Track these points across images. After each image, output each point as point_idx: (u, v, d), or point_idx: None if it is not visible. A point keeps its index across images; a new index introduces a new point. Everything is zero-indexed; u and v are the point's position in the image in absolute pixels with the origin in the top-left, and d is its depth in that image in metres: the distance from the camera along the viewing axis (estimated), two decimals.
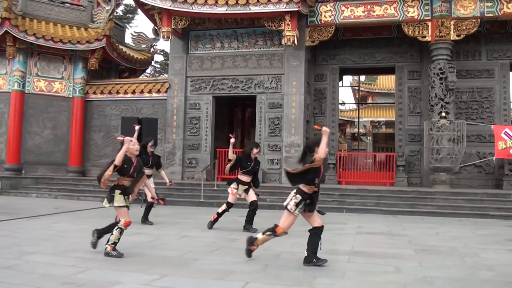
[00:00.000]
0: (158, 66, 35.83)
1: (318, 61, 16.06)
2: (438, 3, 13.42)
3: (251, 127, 18.37)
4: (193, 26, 15.25)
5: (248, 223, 8.21)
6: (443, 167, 13.14)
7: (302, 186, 5.43)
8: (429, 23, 13.64)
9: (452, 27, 13.42)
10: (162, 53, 35.10)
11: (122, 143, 5.67)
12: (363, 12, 14.04)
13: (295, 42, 13.82)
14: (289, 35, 13.74)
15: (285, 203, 5.46)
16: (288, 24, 13.77)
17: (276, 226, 5.50)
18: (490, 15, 13.38)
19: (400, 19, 13.82)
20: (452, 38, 13.45)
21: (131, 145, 5.75)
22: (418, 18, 13.71)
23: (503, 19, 13.89)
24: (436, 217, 10.91)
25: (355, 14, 14.10)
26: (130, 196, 5.83)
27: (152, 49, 21.33)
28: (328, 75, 16.02)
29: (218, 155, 15.27)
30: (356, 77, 28.49)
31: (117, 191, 5.77)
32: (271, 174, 14.60)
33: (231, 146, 8.40)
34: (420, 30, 13.74)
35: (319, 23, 14.36)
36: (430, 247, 6.84)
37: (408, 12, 13.77)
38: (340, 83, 17.40)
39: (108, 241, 5.73)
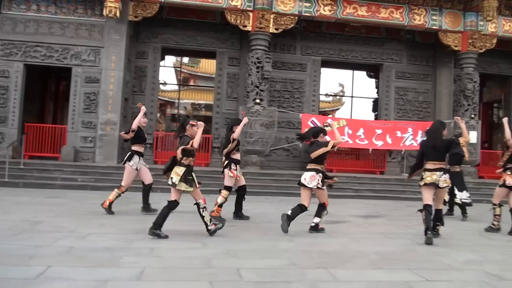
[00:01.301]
0: None
1: (140, 38, 15.61)
2: None
3: (65, 101, 17.15)
4: None
5: (240, 209, 7.85)
6: (255, 149, 14.01)
7: (316, 166, 6.77)
8: (251, 14, 14.27)
9: (271, 20, 14.26)
10: None
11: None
12: None
13: (117, 14, 13.24)
14: (111, 7, 13.10)
15: (312, 185, 6.66)
16: None
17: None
18: (307, 14, 14.57)
19: (224, 6, 14.18)
20: (270, 31, 14.30)
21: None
22: (241, 8, 14.23)
23: (318, 20, 15.27)
24: (246, 195, 11.53)
25: None
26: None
27: None
28: (150, 53, 15.69)
29: (26, 130, 13.92)
30: (179, 58, 28.53)
31: (193, 174, 6.02)
32: (85, 152, 13.87)
33: (242, 124, 7.67)
34: (242, 20, 14.30)
35: None
36: (237, 223, 7.26)
37: (232, 1, 14.20)
38: (162, 63, 17.22)
39: (206, 225, 6.09)
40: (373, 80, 18.69)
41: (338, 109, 35.05)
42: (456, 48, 15.69)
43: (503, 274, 4.79)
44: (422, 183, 6.53)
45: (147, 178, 7.93)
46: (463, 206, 9.24)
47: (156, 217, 5.83)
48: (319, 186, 6.64)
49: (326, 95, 32.92)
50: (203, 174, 12.86)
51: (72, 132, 13.99)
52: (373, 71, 18.16)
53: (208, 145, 15.33)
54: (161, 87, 28.38)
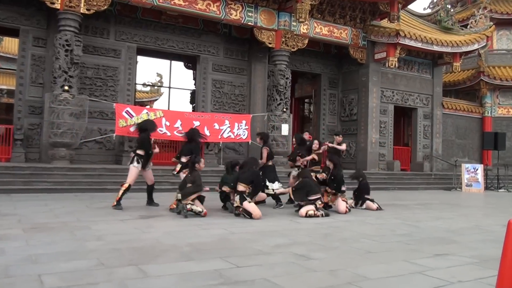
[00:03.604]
0: None
1: None
2: None
3: None
4: None
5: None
6: (63, 142, 13.14)
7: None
8: None
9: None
10: None
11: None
12: None
13: None
14: None
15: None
16: None
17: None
18: None
19: None
20: (82, 11, 13.44)
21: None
22: None
23: (134, 5, 14.91)
24: (53, 193, 10.88)
25: None
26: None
27: None
28: None
29: None
30: None
31: None
32: None
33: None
34: None
35: None
36: (40, 224, 6.73)
37: None
38: None
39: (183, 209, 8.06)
40: (190, 72, 19.06)
41: (156, 99, 35.00)
42: (270, 45, 16.84)
43: (309, 254, 5.33)
44: None
45: (149, 179, 9.36)
46: (276, 195, 10.05)
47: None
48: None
49: (143, 84, 32.56)
50: (2, 171, 11.62)
51: None
52: (191, 62, 18.50)
53: (9, 137, 13.89)
54: None
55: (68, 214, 7.85)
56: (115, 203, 8.70)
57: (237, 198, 8.42)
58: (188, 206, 8.00)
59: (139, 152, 9.01)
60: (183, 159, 9.21)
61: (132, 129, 14.30)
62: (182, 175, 9.04)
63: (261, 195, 9.39)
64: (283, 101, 17.04)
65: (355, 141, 19.77)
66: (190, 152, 9.07)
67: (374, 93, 19.51)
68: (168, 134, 14.93)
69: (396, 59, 18.56)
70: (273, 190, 10.01)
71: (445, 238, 6.90)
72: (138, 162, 8.93)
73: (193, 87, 18.67)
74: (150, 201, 9.51)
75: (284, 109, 16.99)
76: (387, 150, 20.43)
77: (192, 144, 9.44)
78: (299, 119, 23.49)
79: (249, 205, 8.21)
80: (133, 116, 14.32)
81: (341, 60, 20.66)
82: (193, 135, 9.54)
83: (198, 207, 8.14)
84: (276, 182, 10.17)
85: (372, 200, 10.59)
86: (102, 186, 11.82)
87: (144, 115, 14.62)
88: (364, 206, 10.51)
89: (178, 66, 19.28)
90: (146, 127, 9.24)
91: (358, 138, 19.65)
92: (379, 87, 19.76)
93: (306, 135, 12.00)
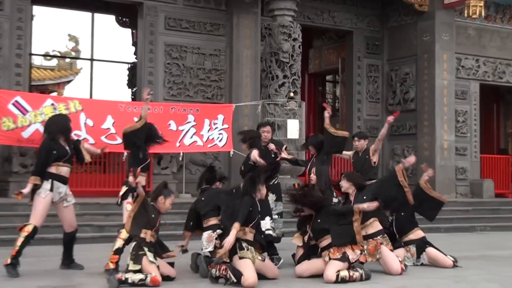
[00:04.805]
0: None
1: None
2: None
3: None
4: None
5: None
6: None
7: None
8: None
9: None
10: None
11: None
12: None
13: None
14: None
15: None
16: None
17: None
18: None
19: None
20: None
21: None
22: None
23: None
24: None
25: None
26: None
27: None
28: None
29: None
30: None
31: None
32: None
33: None
34: None
35: None
36: None
37: None
38: None
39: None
40: (128, 31, 18.90)
41: (69, 81, 34.80)
42: None
43: None
44: None
45: (67, 222, 8.92)
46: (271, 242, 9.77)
47: None
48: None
49: (46, 56, 32.27)
50: None
51: None
52: (128, 15, 18.33)
53: None
54: None
55: None
56: (9, 261, 8.27)
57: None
58: (119, 274, 7.55)
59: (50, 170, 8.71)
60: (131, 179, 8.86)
61: (26, 133, 14.04)
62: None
63: (275, 271, 8.65)
64: (288, 80, 16.83)
65: (413, 147, 19.66)
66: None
67: (444, 63, 19.48)
68: (91, 140, 14.65)
69: (482, 4, 18.41)
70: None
71: None
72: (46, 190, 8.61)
73: (132, 59, 18.48)
74: (69, 261, 9.14)
75: (291, 94, 16.74)
76: (470, 161, 20.39)
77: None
78: (317, 109, 23.33)
79: (241, 262, 7.82)
80: (27, 111, 14.10)
81: (385, 7, 20.60)
82: None
83: (139, 274, 7.59)
84: (267, 217, 9.81)
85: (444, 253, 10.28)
86: None
87: (47, 108, 14.37)
88: (424, 259, 10.17)
89: (107, 22, 19.17)
90: (49, 126, 8.99)
91: (418, 141, 19.56)
92: (453, 53, 19.74)
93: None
